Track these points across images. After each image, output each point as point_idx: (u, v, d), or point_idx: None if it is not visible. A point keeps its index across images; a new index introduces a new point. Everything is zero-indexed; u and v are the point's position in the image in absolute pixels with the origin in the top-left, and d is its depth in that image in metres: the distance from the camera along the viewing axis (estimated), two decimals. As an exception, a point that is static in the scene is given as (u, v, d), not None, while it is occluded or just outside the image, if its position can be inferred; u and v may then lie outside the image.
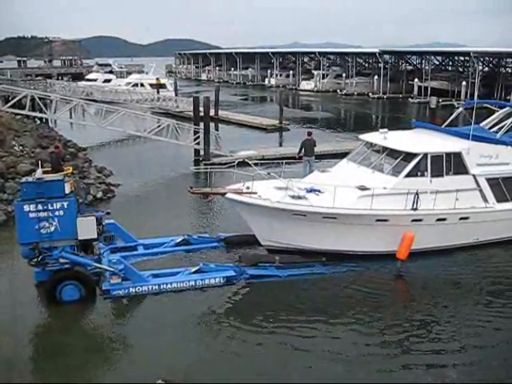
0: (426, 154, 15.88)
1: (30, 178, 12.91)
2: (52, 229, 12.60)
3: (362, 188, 15.36)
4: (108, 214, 14.75)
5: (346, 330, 12.10)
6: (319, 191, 15.66)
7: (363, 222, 15.11)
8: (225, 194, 15.02)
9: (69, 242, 12.96)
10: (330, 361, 10.90)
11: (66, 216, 12.65)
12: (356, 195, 15.15)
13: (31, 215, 12.42)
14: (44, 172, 13.35)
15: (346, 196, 14.84)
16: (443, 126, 19.55)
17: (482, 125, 19.58)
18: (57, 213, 12.57)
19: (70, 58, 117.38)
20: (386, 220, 15.19)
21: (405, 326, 12.36)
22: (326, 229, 14.99)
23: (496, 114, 19.90)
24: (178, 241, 16.43)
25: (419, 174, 15.89)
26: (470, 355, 11.22)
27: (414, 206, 15.29)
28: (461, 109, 20.66)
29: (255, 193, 14.87)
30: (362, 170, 16.88)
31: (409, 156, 16.01)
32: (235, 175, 15.47)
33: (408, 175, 15.74)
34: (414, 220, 15.44)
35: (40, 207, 12.41)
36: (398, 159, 16.20)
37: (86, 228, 12.86)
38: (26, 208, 12.39)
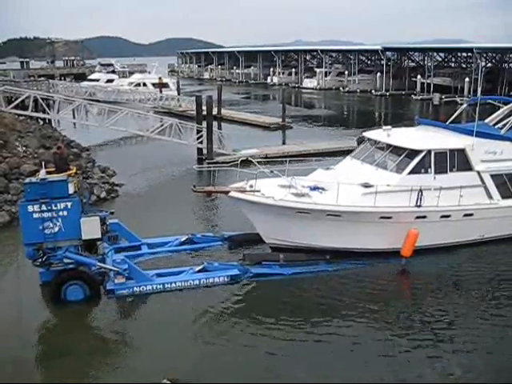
0: (429, 151, 15.83)
1: (33, 179, 12.93)
2: (56, 229, 12.62)
3: (366, 185, 15.31)
4: (112, 213, 14.73)
5: (350, 327, 12.07)
6: (323, 189, 15.63)
7: (367, 219, 15.07)
8: (228, 192, 15.01)
9: (73, 243, 12.98)
10: (335, 357, 10.92)
11: (69, 216, 12.66)
12: (359, 192, 15.11)
13: (35, 216, 12.44)
14: (48, 172, 13.36)
15: (349, 193, 14.81)
16: (447, 123, 19.48)
17: (486, 121, 19.50)
18: (61, 213, 12.59)
19: (73, 58, 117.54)
20: (389, 217, 15.15)
21: (409, 324, 12.35)
22: (330, 226, 14.96)
23: (500, 110, 19.79)
24: (182, 240, 16.42)
25: (423, 170, 15.83)
26: (475, 352, 11.18)
27: (418, 203, 15.25)
28: (465, 105, 20.60)
29: (258, 191, 14.85)
30: (365, 167, 16.84)
31: (412, 153, 15.96)
32: (238, 174, 15.46)
33: (411, 172, 15.69)
34: (417, 217, 15.39)
35: (44, 208, 12.42)
36: (402, 156, 16.16)
37: (90, 228, 12.86)
38: (30, 208, 12.41)
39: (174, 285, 13.70)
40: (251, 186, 15.01)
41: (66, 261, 12.95)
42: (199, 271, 14.27)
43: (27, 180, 13.08)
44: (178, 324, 12.16)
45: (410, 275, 15.11)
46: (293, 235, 15.29)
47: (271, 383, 10.15)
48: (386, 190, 15.12)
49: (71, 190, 12.90)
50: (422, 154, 15.80)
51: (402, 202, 15.20)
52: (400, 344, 11.44)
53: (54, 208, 12.49)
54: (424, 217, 15.47)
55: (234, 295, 13.75)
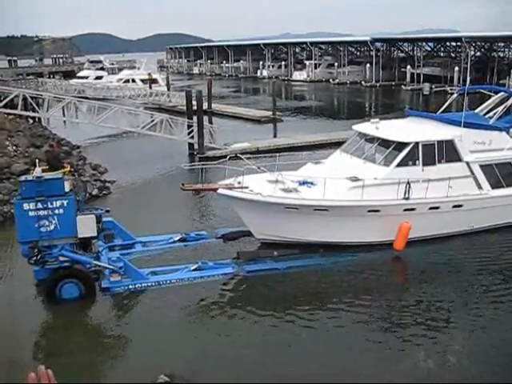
0: (417, 143, 15.88)
1: (29, 177, 12.84)
2: (52, 227, 12.60)
3: (353, 179, 15.36)
4: (108, 211, 14.67)
5: (345, 319, 12.23)
6: (312, 183, 15.64)
7: (355, 213, 15.16)
8: (216, 189, 15.05)
9: (68, 241, 12.98)
10: (331, 348, 11.10)
11: (65, 214, 12.65)
12: (347, 186, 15.17)
13: (31, 213, 12.41)
14: (42, 170, 13.36)
15: (337, 188, 14.90)
16: (438, 113, 19.46)
17: (477, 111, 19.36)
18: (56, 211, 12.56)
19: (61, 56, 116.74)
20: (377, 210, 15.24)
21: (403, 313, 12.56)
22: (319, 221, 15.02)
23: (491, 100, 19.65)
24: (176, 239, 16.44)
25: (411, 163, 15.87)
26: (469, 339, 11.44)
27: (406, 196, 15.31)
28: (455, 95, 20.55)
29: (247, 187, 14.91)
30: (354, 160, 16.87)
31: (400, 145, 16.01)
32: (227, 170, 15.49)
33: (399, 164, 15.73)
34: (406, 209, 15.47)
35: (39, 205, 12.40)
36: (390, 149, 16.20)
37: (86, 226, 12.89)
38: (26, 206, 12.37)
39: (169, 283, 13.77)
40: (239, 183, 15.03)
41: (61, 259, 12.98)
42: (194, 270, 14.31)
43: (23, 178, 12.97)
44: (174, 320, 12.28)
45: (402, 267, 15.28)
46: (282, 230, 15.37)
47: (269, 383, 10.23)
48: (374, 184, 15.20)
49: (67, 187, 12.90)
50: (410, 147, 15.85)
51: (390, 195, 15.26)
52: (395, 334, 11.64)
53: (49, 206, 12.47)
54: (412, 209, 15.54)
55: (228, 291, 13.87)
